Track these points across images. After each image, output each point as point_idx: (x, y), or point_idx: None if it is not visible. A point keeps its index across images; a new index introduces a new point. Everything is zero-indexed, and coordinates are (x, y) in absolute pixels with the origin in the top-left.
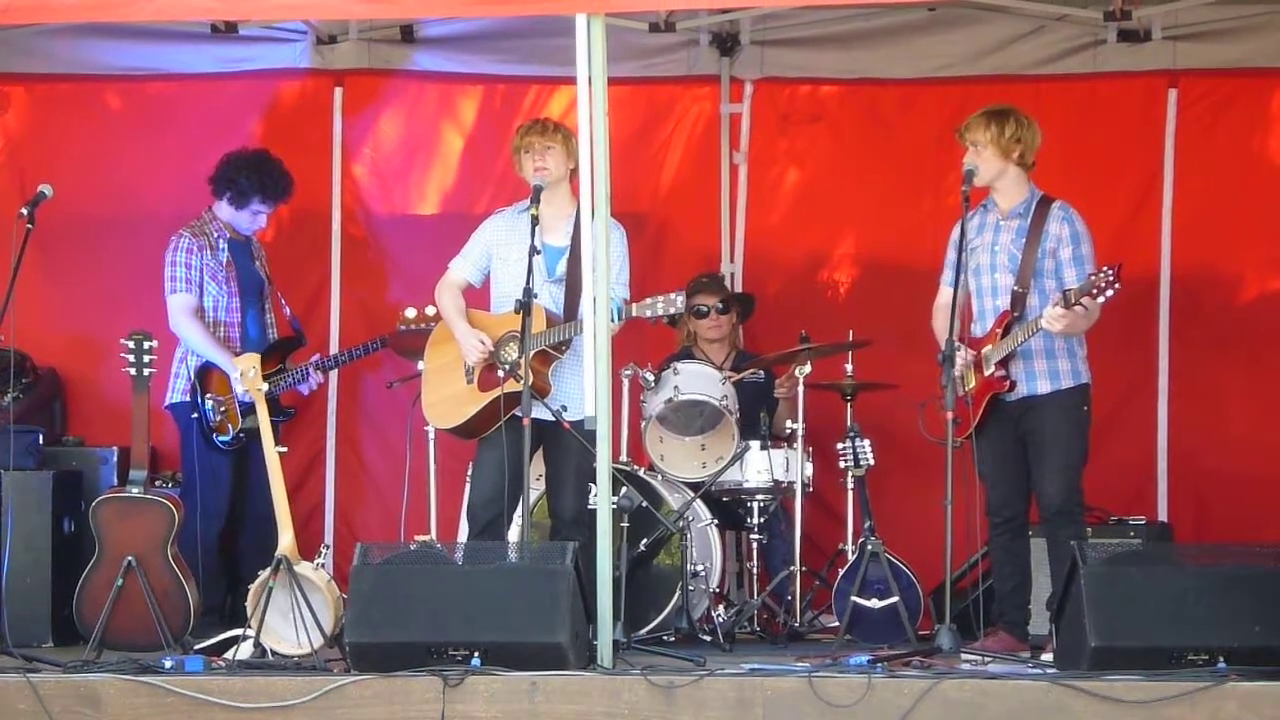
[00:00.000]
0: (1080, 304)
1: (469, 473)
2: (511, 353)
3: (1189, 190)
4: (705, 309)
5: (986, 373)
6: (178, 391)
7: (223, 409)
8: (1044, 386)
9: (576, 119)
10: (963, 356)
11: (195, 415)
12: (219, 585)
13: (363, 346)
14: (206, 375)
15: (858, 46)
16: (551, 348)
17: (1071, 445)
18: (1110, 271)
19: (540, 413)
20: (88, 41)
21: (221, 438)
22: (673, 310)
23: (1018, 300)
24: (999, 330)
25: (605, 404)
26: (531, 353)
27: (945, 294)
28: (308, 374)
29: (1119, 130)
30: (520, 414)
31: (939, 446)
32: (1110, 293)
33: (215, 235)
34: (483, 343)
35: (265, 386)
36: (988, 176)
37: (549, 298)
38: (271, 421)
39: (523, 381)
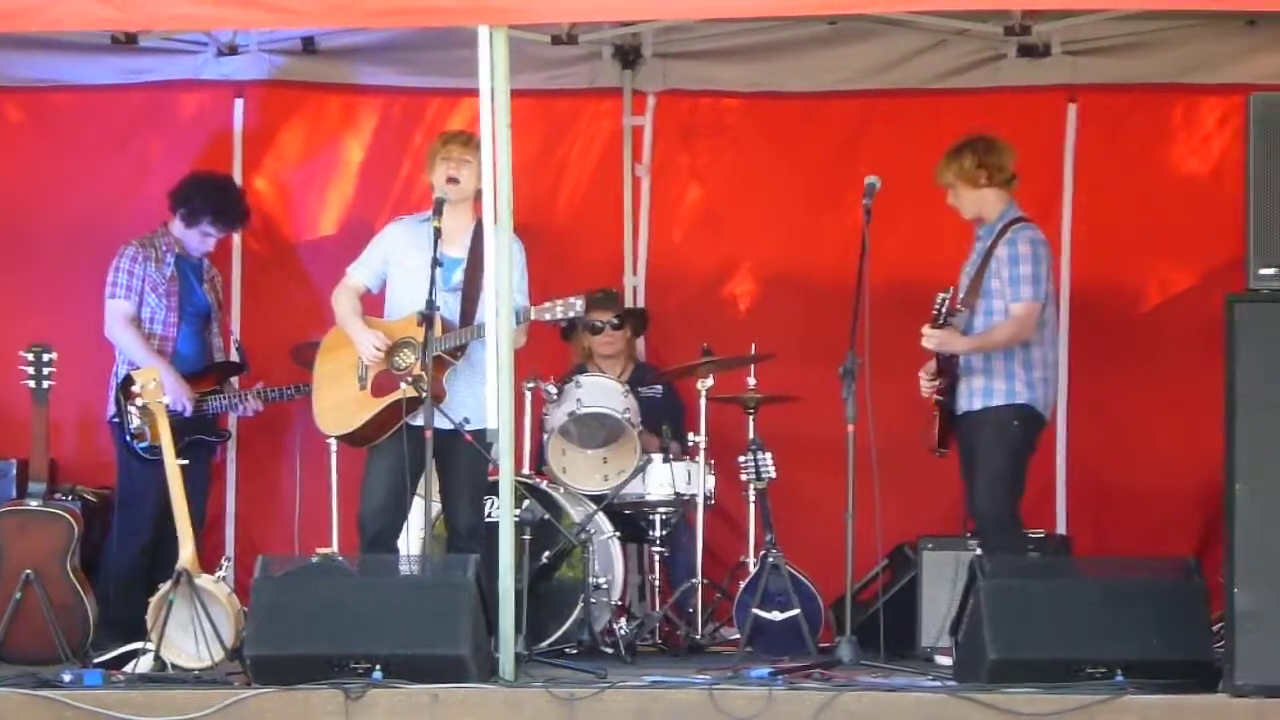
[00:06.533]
0: (947, 324)
1: None
2: (406, 358)
3: (1088, 204)
4: (600, 325)
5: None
6: (112, 404)
7: (146, 417)
8: (976, 403)
9: (479, 130)
10: (927, 370)
11: (118, 421)
12: (138, 597)
13: (309, 385)
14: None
15: (760, 59)
16: (447, 353)
17: (993, 459)
18: (940, 296)
19: (439, 422)
20: None
21: (141, 444)
22: (571, 314)
23: (961, 319)
24: None
25: (508, 416)
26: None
27: None
28: (245, 399)
29: (1019, 144)
30: (416, 423)
31: (937, 457)
32: (942, 321)
33: (164, 250)
34: (378, 348)
35: (166, 399)
36: (972, 210)
37: (444, 306)
38: (208, 440)
39: (425, 393)
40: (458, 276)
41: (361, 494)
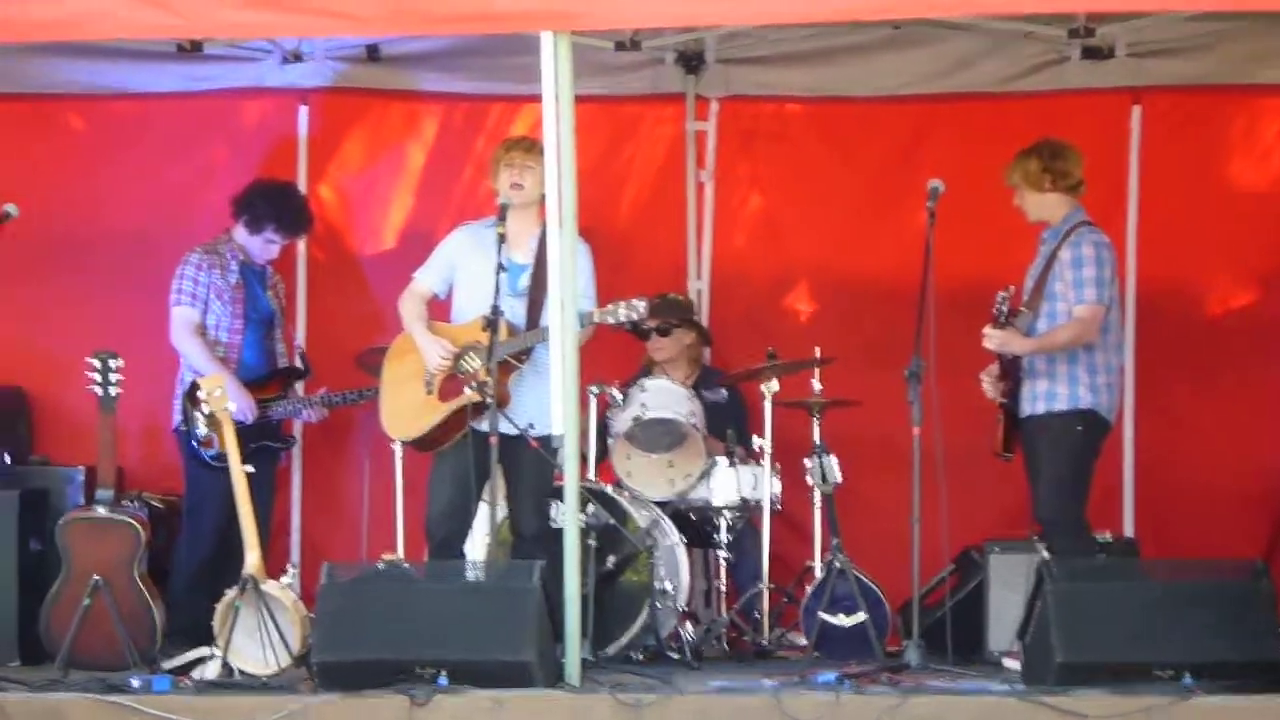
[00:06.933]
0: (1009, 325)
1: None
2: (472, 362)
3: (1153, 207)
4: (645, 329)
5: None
6: (178, 412)
7: (212, 424)
8: (1040, 407)
9: (542, 136)
10: (990, 373)
11: (185, 429)
12: (205, 604)
13: (374, 390)
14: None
15: (822, 64)
16: (513, 357)
17: (1057, 464)
18: (1000, 295)
19: (503, 426)
20: (50, 61)
21: (208, 452)
22: (635, 316)
23: (1024, 321)
24: None
25: (573, 421)
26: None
27: None
28: (309, 405)
29: (1083, 147)
30: (482, 427)
31: (1003, 460)
32: (1003, 321)
33: (228, 256)
34: (443, 357)
35: (231, 407)
36: (1036, 213)
37: (510, 311)
38: (272, 447)
39: (491, 399)
40: (524, 281)
41: (428, 500)
